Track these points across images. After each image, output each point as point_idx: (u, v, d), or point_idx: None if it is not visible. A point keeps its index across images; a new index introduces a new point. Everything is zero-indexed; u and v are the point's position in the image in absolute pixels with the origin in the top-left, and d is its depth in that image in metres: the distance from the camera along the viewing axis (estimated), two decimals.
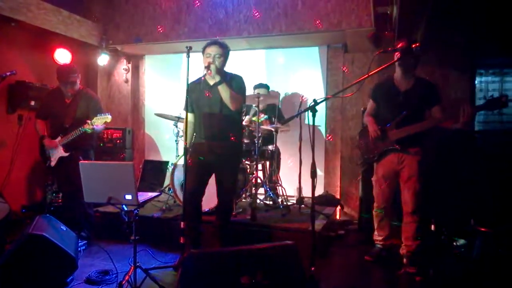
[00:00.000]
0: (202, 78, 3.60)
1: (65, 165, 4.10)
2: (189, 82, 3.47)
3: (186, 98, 3.47)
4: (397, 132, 3.49)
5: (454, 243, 4.08)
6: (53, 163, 4.14)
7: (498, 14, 4.39)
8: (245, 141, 4.85)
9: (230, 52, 3.62)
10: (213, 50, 3.48)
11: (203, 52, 3.55)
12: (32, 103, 5.24)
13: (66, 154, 4.08)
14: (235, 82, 3.54)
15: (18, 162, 5.30)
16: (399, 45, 3.36)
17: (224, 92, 3.41)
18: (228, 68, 3.67)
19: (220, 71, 3.48)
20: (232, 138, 3.61)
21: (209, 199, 3.88)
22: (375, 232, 3.87)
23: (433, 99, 3.46)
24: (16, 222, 4.68)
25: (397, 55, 3.40)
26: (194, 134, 3.72)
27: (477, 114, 5.01)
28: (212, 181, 3.68)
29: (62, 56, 5.37)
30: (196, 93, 3.58)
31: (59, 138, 4.09)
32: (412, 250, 3.54)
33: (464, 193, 4.26)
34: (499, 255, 3.35)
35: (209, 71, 3.41)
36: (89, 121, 3.92)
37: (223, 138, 3.55)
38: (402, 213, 3.62)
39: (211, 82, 3.52)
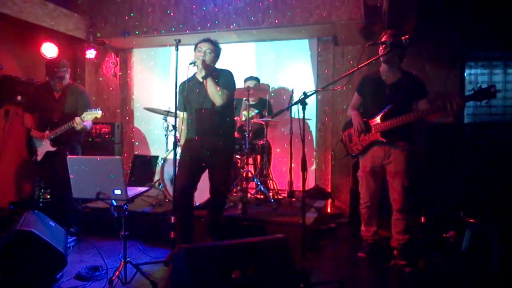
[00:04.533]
0: (193, 75, 3.65)
1: (51, 160, 4.06)
2: (181, 81, 3.52)
3: (178, 97, 3.50)
4: (382, 125, 3.48)
5: (444, 235, 4.13)
6: (39, 158, 4.09)
7: (487, 7, 4.41)
8: (236, 135, 4.84)
9: (220, 45, 3.66)
10: (204, 46, 3.55)
11: (195, 48, 3.59)
12: (19, 98, 5.16)
13: (53, 149, 4.03)
14: (222, 77, 3.56)
15: (5, 157, 5.23)
16: (387, 38, 3.37)
17: (210, 86, 3.44)
18: (218, 62, 3.68)
19: (208, 66, 3.49)
20: (224, 133, 3.61)
21: (201, 193, 3.87)
22: (363, 228, 3.84)
23: (420, 93, 3.46)
24: (4, 219, 4.62)
25: (381, 50, 3.40)
26: (187, 131, 3.73)
27: (466, 107, 5.06)
28: (204, 175, 3.67)
29: (49, 50, 5.30)
30: (187, 90, 3.60)
31: (47, 132, 4.04)
32: (403, 243, 3.56)
33: (453, 185, 4.30)
34: (488, 246, 3.38)
35: (195, 66, 3.45)
36: (78, 117, 3.87)
37: (215, 134, 3.56)
38: (390, 208, 3.62)
39: (201, 79, 3.53)
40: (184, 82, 3.65)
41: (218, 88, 3.44)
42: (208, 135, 3.55)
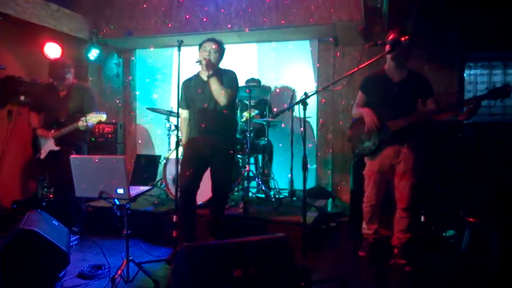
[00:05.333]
0: (197, 74, 3.65)
1: (56, 159, 4.09)
2: (184, 79, 3.53)
3: (180, 95, 3.50)
4: (394, 123, 3.44)
5: (444, 234, 4.14)
6: (42, 156, 4.13)
7: (486, 7, 4.42)
8: (237, 135, 4.87)
9: (225, 45, 3.67)
10: (209, 45, 3.57)
11: (199, 47, 3.61)
12: (22, 98, 5.18)
13: (57, 148, 4.07)
14: (226, 77, 3.58)
15: (9, 157, 5.26)
16: (389, 37, 3.39)
17: (214, 85, 3.46)
18: (221, 63, 3.70)
19: (213, 65, 3.52)
20: (226, 132, 3.64)
21: (203, 193, 3.88)
22: (364, 226, 3.84)
23: (427, 92, 3.47)
24: (7, 218, 4.66)
25: (388, 48, 3.41)
26: (189, 129, 3.74)
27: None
28: (206, 174, 3.70)
29: (52, 50, 5.31)
30: (191, 89, 3.63)
31: (52, 131, 4.09)
32: (404, 242, 3.56)
33: (453, 184, 4.31)
34: (488, 245, 3.39)
35: (201, 65, 3.46)
36: (83, 118, 3.90)
37: (217, 133, 3.58)
38: (390, 207, 3.63)
39: (205, 78, 3.55)
40: (187, 80, 3.68)
41: (223, 87, 3.47)
42: (210, 134, 3.57)
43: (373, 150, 3.61)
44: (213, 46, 3.56)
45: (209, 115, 3.57)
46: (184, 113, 3.77)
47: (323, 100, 5.72)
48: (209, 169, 3.69)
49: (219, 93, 3.45)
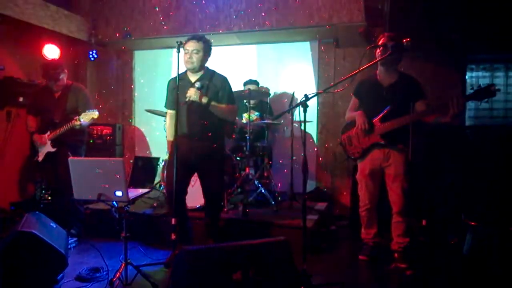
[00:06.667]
0: (184, 72, 3.57)
1: (52, 161, 4.07)
2: (169, 79, 3.44)
3: (167, 95, 3.43)
4: (382, 126, 3.47)
5: (445, 238, 4.11)
6: (40, 158, 4.11)
7: (489, 9, 4.41)
8: (236, 137, 4.84)
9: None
10: (190, 46, 3.45)
11: (184, 48, 3.50)
12: (21, 99, 5.17)
13: (53, 150, 4.05)
14: (221, 90, 3.50)
15: (7, 159, 5.23)
16: (384, 40, 3.38)
17: (216, 111, 3.41)
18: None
19: (207, 91, 3.43)
20: (213, 135, 3.53)
21: (201, 195, 3.85)
22: (363, 231, 3.83)
23: (417, 94, 3.46)
24: (5, 220, 4.63)
25: (378, 52, 3.40)
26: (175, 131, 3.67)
27: (467, 109, 5.06)
28: None
29: (51, 51, 5.30)
30: (177, 89, 3.43)
31: (48, 133, 4.07)
32: (403, 246, 3.55)
33: (455, 188, 4.29)
34: (490, 249, 3.37)
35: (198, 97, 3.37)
36: (76, 117, 3.89)
37: (204, 136, 3.48)
38: (390, 210, 3.61)
39: (193, 79, 3.48)
40: (173, 79, 3.53)
41: (225, 108, 3.41)
42: (197, 137, 3.48)
43: (362, 153, 3.64)
44: (194, 46, 3.42)
45: (195, 118, 3.46)
46: (170, 112, 3.67)
47: (324, 103, 5.70)
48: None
49: (224, 115, 3.44)
